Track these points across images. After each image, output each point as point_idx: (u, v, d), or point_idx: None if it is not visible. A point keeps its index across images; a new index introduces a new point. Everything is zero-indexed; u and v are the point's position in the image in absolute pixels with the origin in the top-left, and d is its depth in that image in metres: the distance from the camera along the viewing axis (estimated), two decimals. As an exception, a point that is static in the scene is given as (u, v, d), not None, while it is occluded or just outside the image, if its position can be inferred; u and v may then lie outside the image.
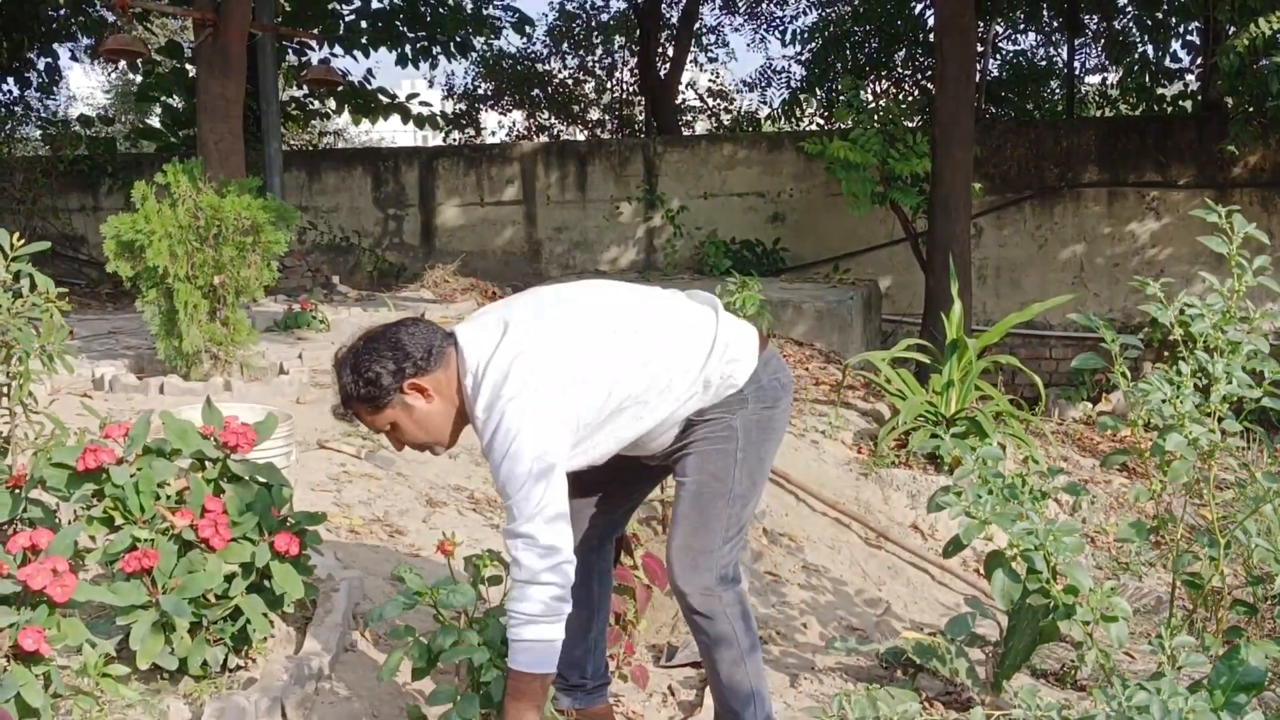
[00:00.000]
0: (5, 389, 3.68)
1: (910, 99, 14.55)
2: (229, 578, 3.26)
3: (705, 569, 2.89)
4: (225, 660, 3.34)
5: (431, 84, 19.29)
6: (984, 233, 10.53)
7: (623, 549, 3.50)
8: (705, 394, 2.91)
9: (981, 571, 5.69)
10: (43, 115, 15.87)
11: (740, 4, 18.63)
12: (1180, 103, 13.77)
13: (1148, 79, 13.36)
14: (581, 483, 2.96)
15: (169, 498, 3.34)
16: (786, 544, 5.33)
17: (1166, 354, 8.50)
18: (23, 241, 3.60)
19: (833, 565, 5.36)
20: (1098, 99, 16.84)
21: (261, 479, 3.50)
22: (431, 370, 2.76)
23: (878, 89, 15.07)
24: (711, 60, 19.61)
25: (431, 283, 10.55)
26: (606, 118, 19.31)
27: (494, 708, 2.95)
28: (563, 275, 11.16)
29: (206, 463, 3.47)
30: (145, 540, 3.18)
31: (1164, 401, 3.49)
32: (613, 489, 3.19)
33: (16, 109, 14.26)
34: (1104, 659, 3.54)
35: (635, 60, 17.95)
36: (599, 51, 19.22)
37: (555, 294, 2.97)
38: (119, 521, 3.26)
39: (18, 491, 3.42)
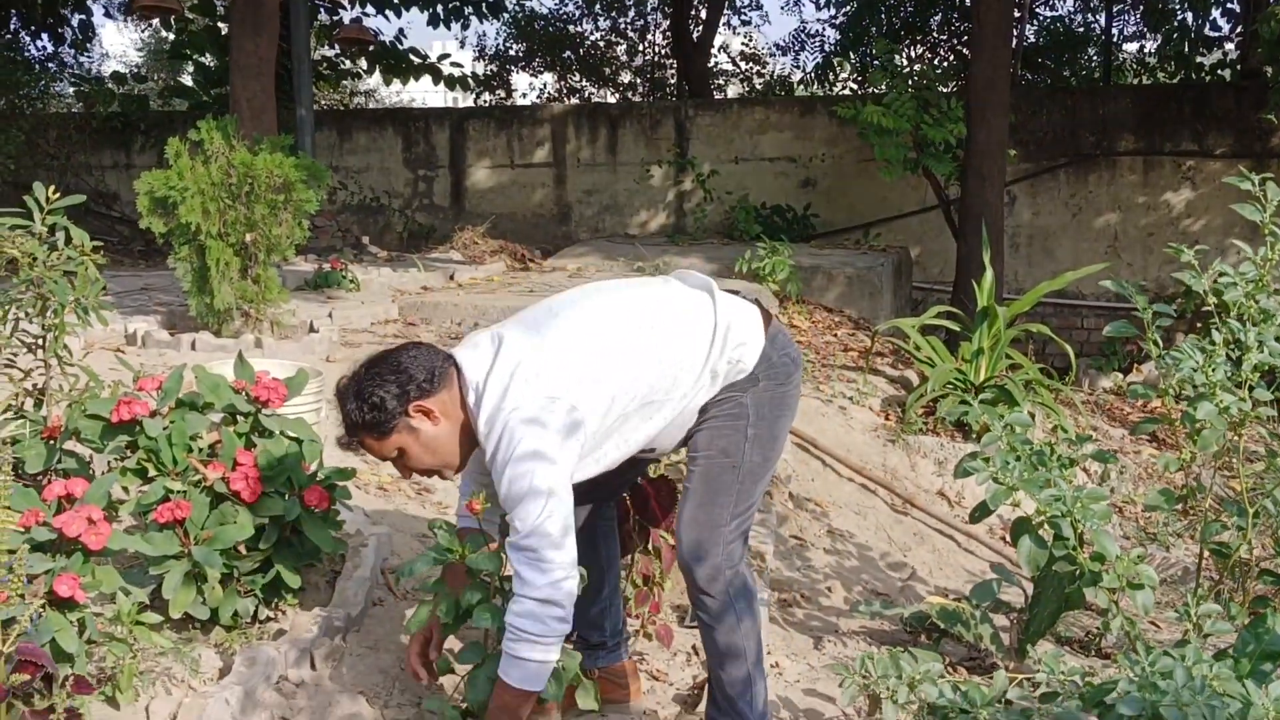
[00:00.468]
0: (41, 341, 3.72)
1: (945, 64, 14.42)
2: (260, 530, 3.30)
3: (712, 544, 2.85)
4: (256, 612, 3.38)
5: (463, 45, 19.24)
6: (1017, 200, 10.44)
7: (661, 507, 3.50)
8: (713, 385, 2.88)
9: (1007, 539, 5.69)
10: (76, 72, 15.94)
11: (774, -33, 18.43)
12: (1219, 71, 13.59)
13: (1186, 47, 13.18)
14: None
15: (201, 450, 3.37)
16: (812, 509, 5.34)
17: (1199, 325, 8.44)
18: (58, 195, 3.62)
19: (858, 531, 5.37)
20: (1135, 67, 16.63)
21: (292, 434, 3.53)
22: (436, 391, 2.73)
23: (912, 53, 14.93)
24: (745, 23, 19.47)
25: (461, 244, 10.56)
26: (638, 81, 19.22)
27: None
28: (592, 238, 11.15)
29: (238, 417, 3.50)
30: (178, 492, 3.22)
31: (1195, 370, 3.47)
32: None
33: (50, 66, 14.32)
34: (1129, 626, 3.54)
35: (667, 23, 17.83)
36: (631, 13, 19.11)
37: (546, 307, 2.92)
38: (152, 473, 3.30)
39: (52, 442, 3.46)
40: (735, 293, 3.07)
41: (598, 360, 2.76)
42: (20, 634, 1.58)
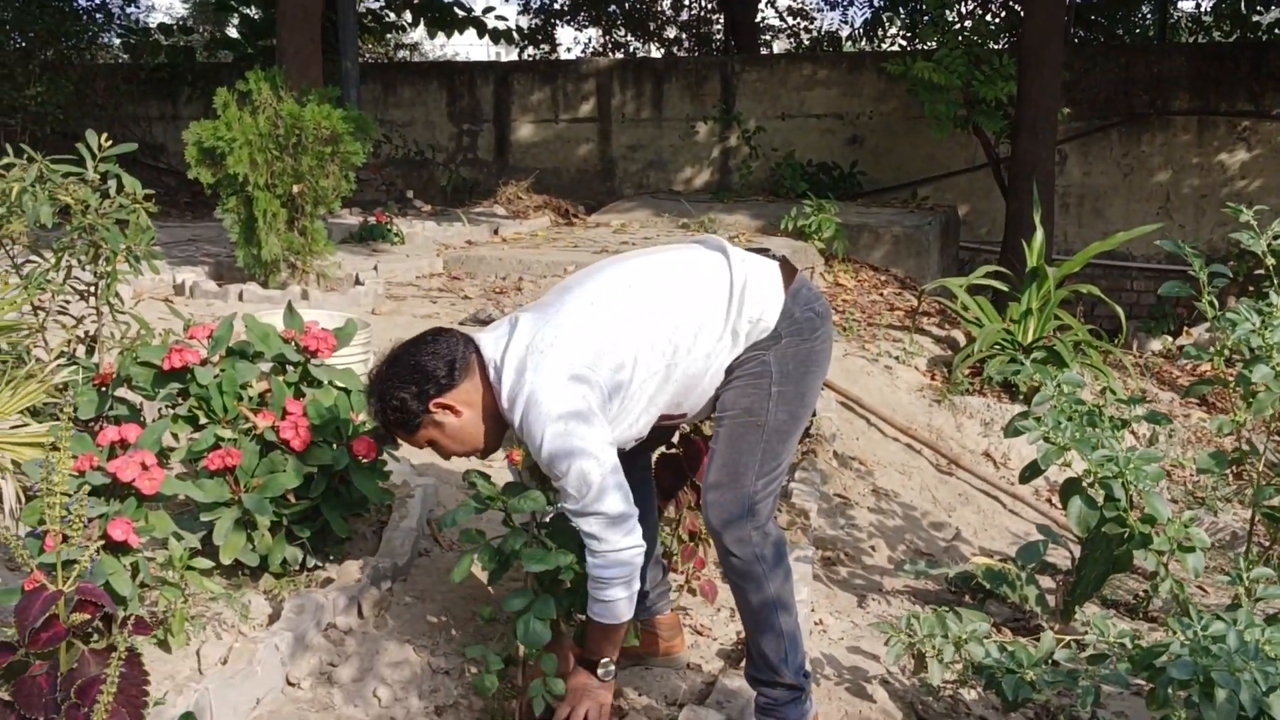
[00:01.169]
0: (93, 289, 3.75)
1: (997, 19, 14.17)
2: (308, 479, 3.32)
3: (737, 504, 2.81)
4: (304, 560, 3.41)
5: (507, -1, 19.15)
6: (1068, 159, 10.28)
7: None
8: (736, 345, 2.85)
9: (1053, 501, 5.65)
10: (123, 23, 15.99)
11: (824, -81, 18.23)
12: (1276, 30, 13.29)
13: (1243, 5, 12.89)
14: None
15: (251, 399, 3.39)
16: (857, 467, 5.31)
17: (1251, 289, 8.30)
18: (110, 143, 3.64)
19: (903, 490, 5.34)
20: (1190, 24, 16.30)
21: (341, 384, 3.55)
22: (456, 384, 2.77)
23: (963, 9, 14.69)
24: (792, -22, 19.24)
25: (504, 199, 10.54)
26: (683, 35, 19.05)
27: (576, 608, 2.99)
28: (637, 194, 11.09)
29: (288, 366, 3.52)
30: (228, 440, 3.25)
31: (1252, 332, 3.41)
32: None
33: (98, 16, 14.36)
34: (1178, 590, 3.50)
35: (714, -23, 17.65)
36: (678, -33, 18.93)
37: (560, 286, 2.96)
38: (202, 421, 3.33)
39: (104, 389, 3.49)
40: (765, 250, 3.04)
41: (613, 327, 2.76)
42: (80, 575, 1.59)
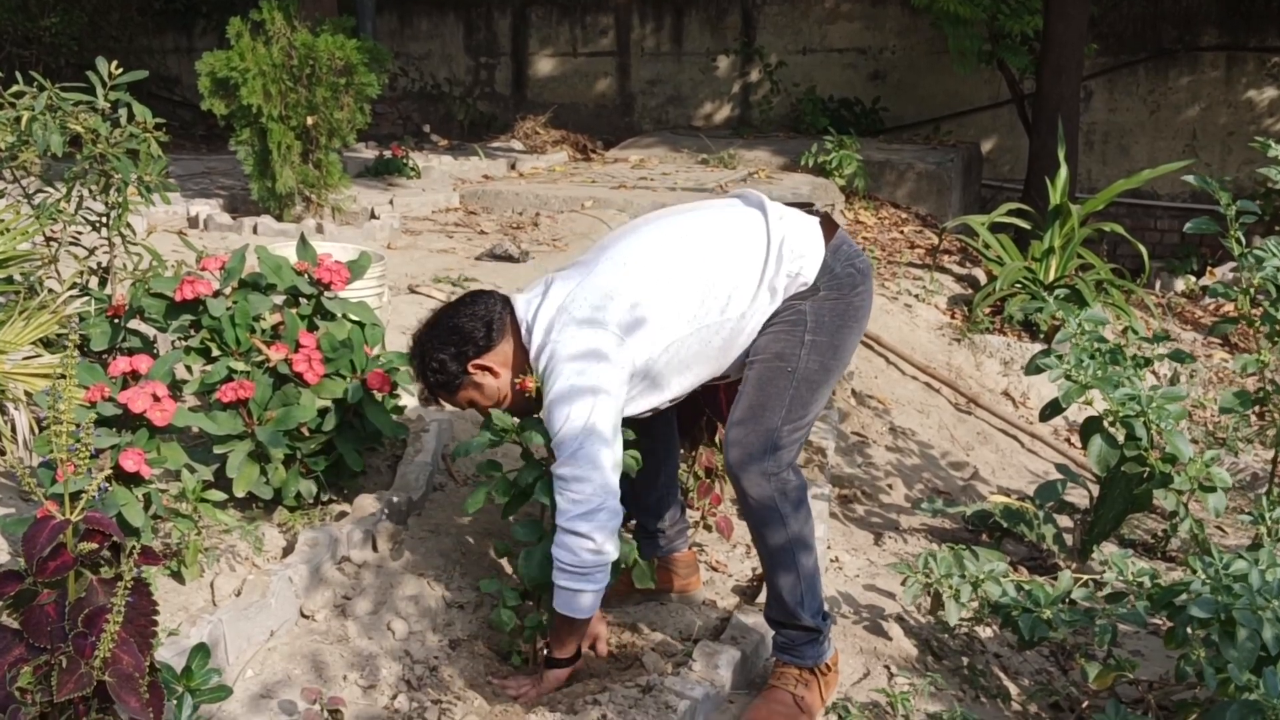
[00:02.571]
0: (104, 219, 3.72)
1: (1022, -46, 13.89)
2: (322, 413, 3.30)
3: (760, 447, 2.77)
4: (318, 494, 3.40)
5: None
6: (1093, 96, 10.09)
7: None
8: (773, 301, 2.83)
9: (1072, 440, 5.61)
10: (138, -46, 15.80)
11: None
12: (1311, -37, 12.96)
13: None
14: None
15: (264, 331, 3.37)
16: (874, 405, 5.28)
17: (1278, 228, 8.16)
18: (120, 71, 3.58)
19: (920, 429, 5.30)
20: (1222, -42, 15.93)
21: (354, 317, 3.52)
22: (494, 345, 2.84)
23: (988, -58, 14.40)
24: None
25: (522, 134, 10.44)
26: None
27: None
28: (656, 130, 10.96)
29: (301, 299, 3.49)
30: (241, 372, 3.23)
31: (1278, 270, 3.34)
32: None
33: (112, -53, 14.20)
34: (1198, 530, 3.47)
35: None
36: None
37: (598, 245, 2.96)
38: (215, 353, 3.30)
39: (117, 321, 3.47)
40: (808, 205, 3.00)
41: (647, 289, 2.76)
42: (87, 504, 1.57)
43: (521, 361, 2.85)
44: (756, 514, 2.83)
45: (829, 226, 2.91)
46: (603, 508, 2.67)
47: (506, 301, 2.91)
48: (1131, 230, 8.09)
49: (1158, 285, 8.57)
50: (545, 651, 2.90)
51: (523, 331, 2.85)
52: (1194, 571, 2.84)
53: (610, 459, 2.68)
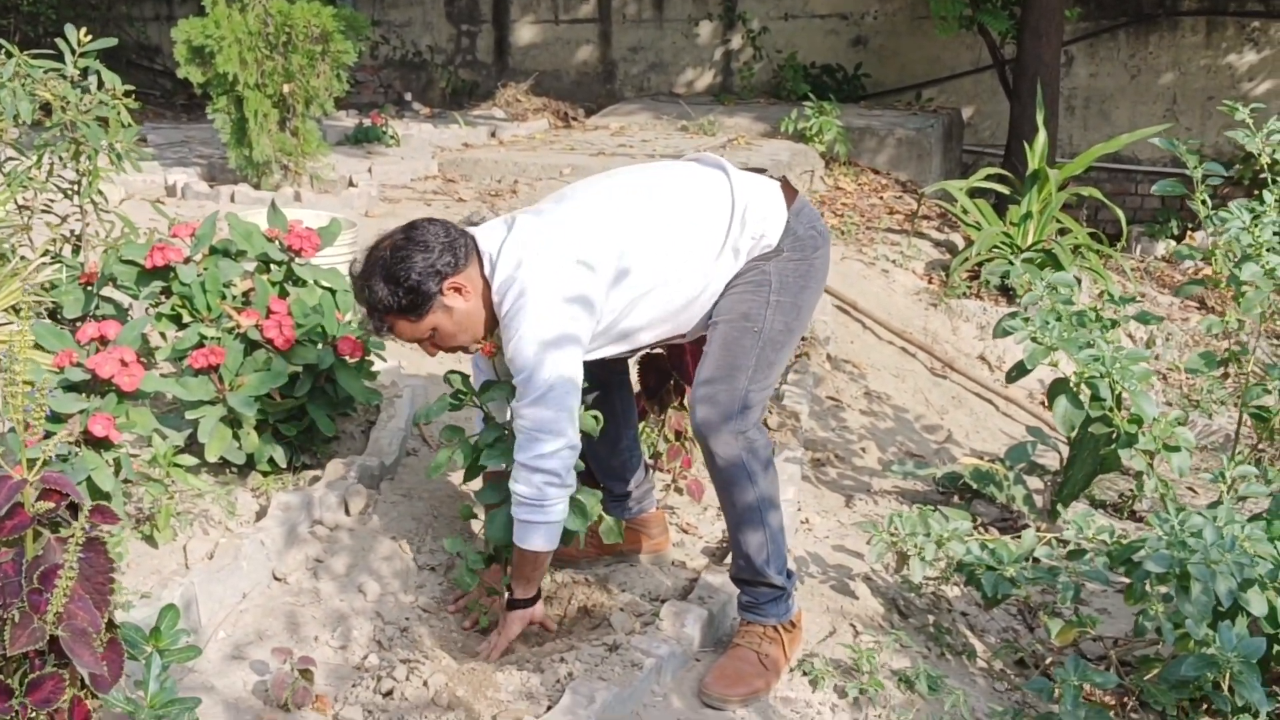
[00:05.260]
0: (76, 187, 3.72)
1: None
2: (294, 378, 3.32)
3: (726, 406, 2.79)
4: (291, 459, 3.43)
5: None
6: (1075, 61, 10.09)
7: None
8: (736, 262, 2.86)
9: (1046, 403, 5.65)
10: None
11: None
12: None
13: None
14: None
15: (235, 298, 3.38)
16: (850, 370, 5.31)
17: (1256, 193, 8.19)
18: (90, 38, 3.58)
19: (896, 393, 5.34)
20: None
21: (326, 284, 3.54)
22: (466, 267, 2.73)
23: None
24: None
25: (504, 102, 10.40)
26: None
27: None
28: (638, 97, 10.93)
29: (272, 265, 3.51)
30: (212, 338, 3.25)
31: (1242, 229, 3.37)
32: None
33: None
34: (1163, 489, 3.51)
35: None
36: None
37: (556, 194, 2.95)
38: (186, 319, 3.32)
39: (89, 288, 3.48)
40: (762, 171, 3.03)
41: (612, 235, 2.77)
42: (44, 464, 1.59)
43: (484, 291, 2.77)
44: (724, 473, 2.85)
45: (789, 190, 2.94)
46: (569, 444, 2.70)
47: (465, 232, 2.81)
48: (1112, 195, 8.11)
49: (1138, 250, 8.61)
50: (507, 593, 2.92)
51: (485, 263, 2.76)
52: (1155, 527, 2.89)
53: (575, 400, 2.71)
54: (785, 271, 2.87)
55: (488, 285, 2.76)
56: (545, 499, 2.72)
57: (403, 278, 2.68)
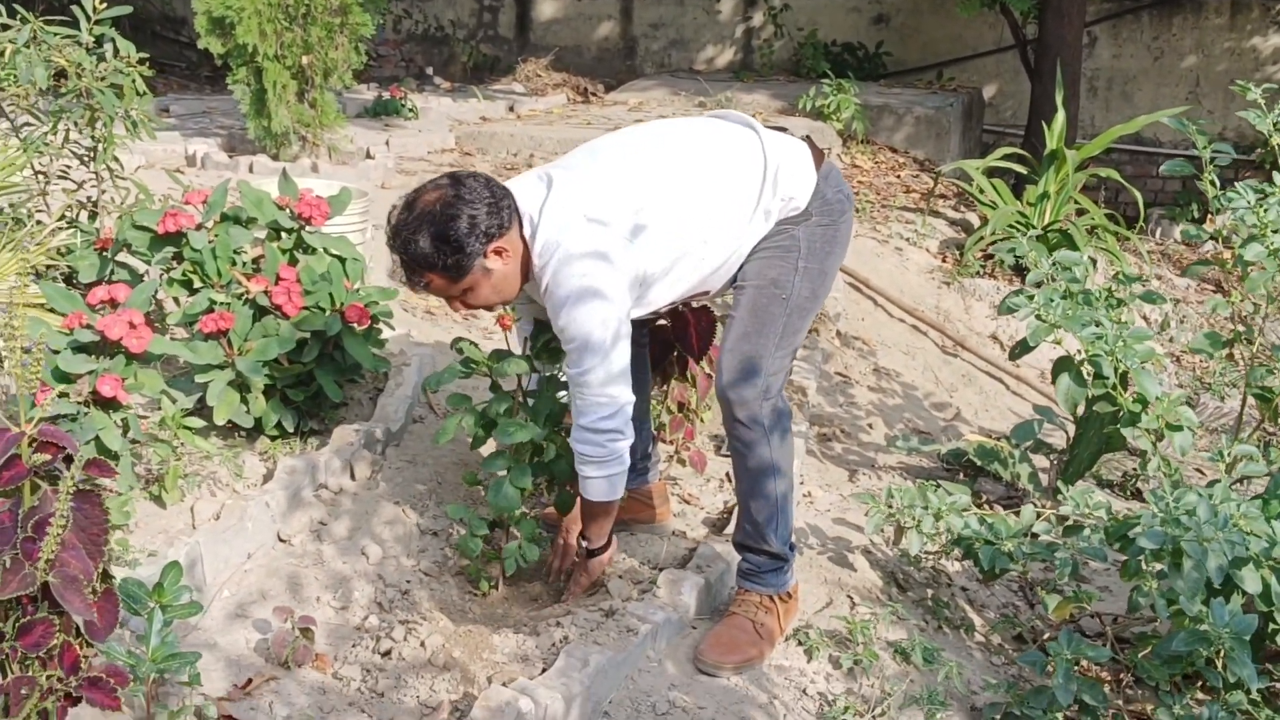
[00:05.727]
0: (91, 153, 3.77)
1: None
2: (302, 344, 3.36)
3: (753, 374, 2.81)
4: (299, 424, 3.47)
5: None
6: (1098, 42, 10.02)
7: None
8: (766, 223, 2.85)
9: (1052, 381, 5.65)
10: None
11: None
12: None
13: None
14: None
15: (245, 264, 3.43)
16: (859, 347, 5.32)
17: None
18: (104, 5, 3.62)
19: (905, 370, 5.35)
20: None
21: (335, 252, 3.57)
22: (508, 229, 2.68)
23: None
24: None
25: (524, 77, 10.42)
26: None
27: (551, 481, 3.05)
28: (657, 74, 10.92)
29: (282, 233, 3.54)
30: (222, 304, 3.29)
31: (1248, 209, 3.36)
32: None
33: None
34: (1165, 467, 3.52)
35: None
36: None
37: (587, 149, 2.92)
38: (197, 285, 3.37)
39: (105, 254, 3.53)
40: (782, 129, 3.01)
41: (649, 195, 2.76)
42: (42, 418, 1.63)
43: (523, 254, 2.73)
44: (742, 436, 2.87)
45: (816, 152, 2.93)
46: (626, 401, 2.74)
47: (509, 192, 2.74)
48: (1133, 178, 8.07)
49: (1158, 233, 8.57)
50: (584, 544, 2.99)
51: (525, 224, 2.72)
52: (1151, 504, 2.90)
53: (627, 356, 2.72)
54: (813, 237, 2.87)
55: (527, 248, 2.73)
56: (610, 455, 2.76)
57: (450, 236, 2.61)
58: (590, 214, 2.69)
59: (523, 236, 2.72)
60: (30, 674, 1.53)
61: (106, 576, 1.70)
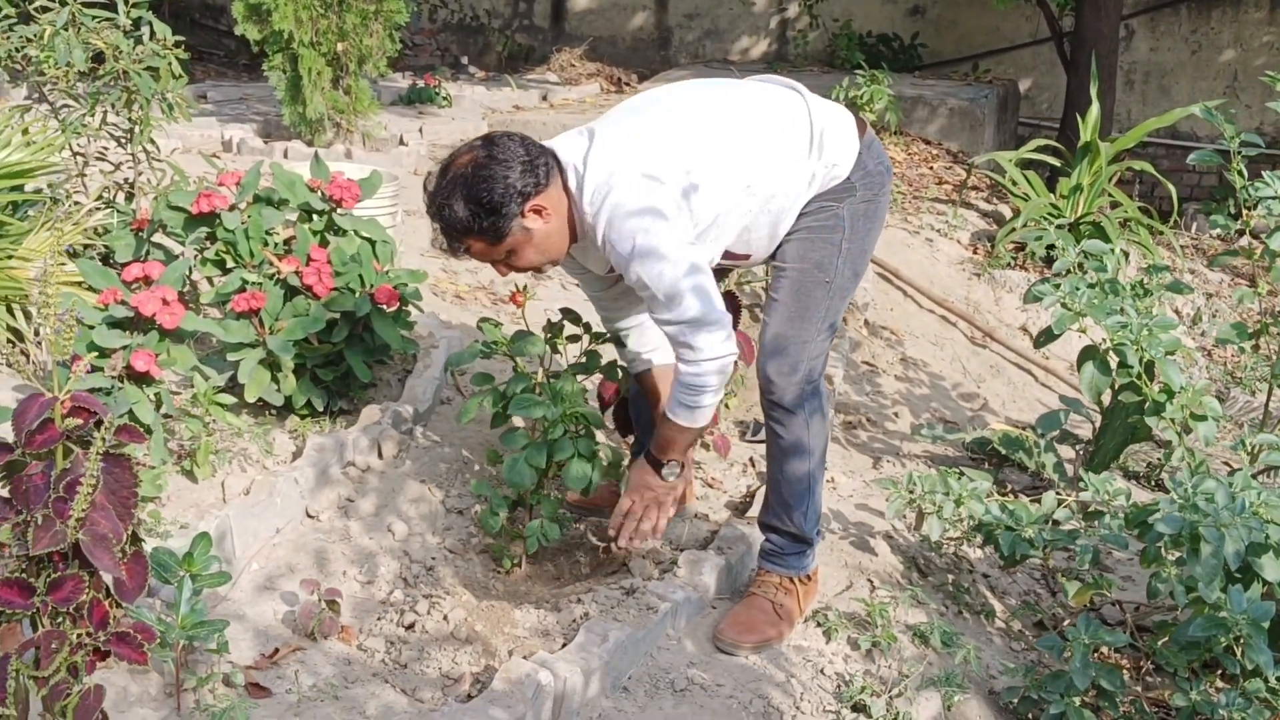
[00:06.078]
0: (128, 135, 3.83)
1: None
2: (331, 325, 3.41)
3: (795, 357, 2.81)
4: (329, 404, 3.53)
5: None
6: (1135, 35, 9.95)
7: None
8: (810, 189, 2.81)
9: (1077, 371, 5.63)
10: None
11: None
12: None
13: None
14: None
15: (276, 245, 3.48)
16: (887, 336, 5.33)
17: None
18: (149, -8, 3.68)
19: (933, 361, 5.35)
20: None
21: (365, 234, 3.62)
22: (548, 186, 2.63)
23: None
24: None
25: (558, 66, 10.45)
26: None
27: (556, 462, 3.05)
28: (691, 64, 10.93)
29: (313, 215, 3.60)
30: (254, 283, 3.34)
31: (1274, 199, 3.35)
32: None
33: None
34: (1190, 458, 3.51)
35: None
36: None
37: (629, 106, 2.86)
38: (230, 265, 3.43)
39: (141, 234, 3.60)
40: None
41: (699, 153, 2.70)
42: (74, 385, 1.68)
43: (568, 208, 2.68)
44: (779, 417, 2.87)
45: (859, 121, 2.89)
46: (724, 327, 2.65)
47: (546, 148, 2.69)
48: (1169, 172, 8.03)
49: (1194, 227, 8.50)
50: (669, 469, 2.86)
51: (570, 176, 2.66)
52: (1171, 491, 2.90)
53: (711, 282, 2.64)
54: (856, 214, 2.83)
55: (571, 200, 2.68)
56: (722, 383, 2.70)
57: (484, 198, 2.57)
58: (645, 170, 2.62)
59: (567, 189, 2.67)
60: (60, 629, 1.58)
61: (136, 539, 1.75)
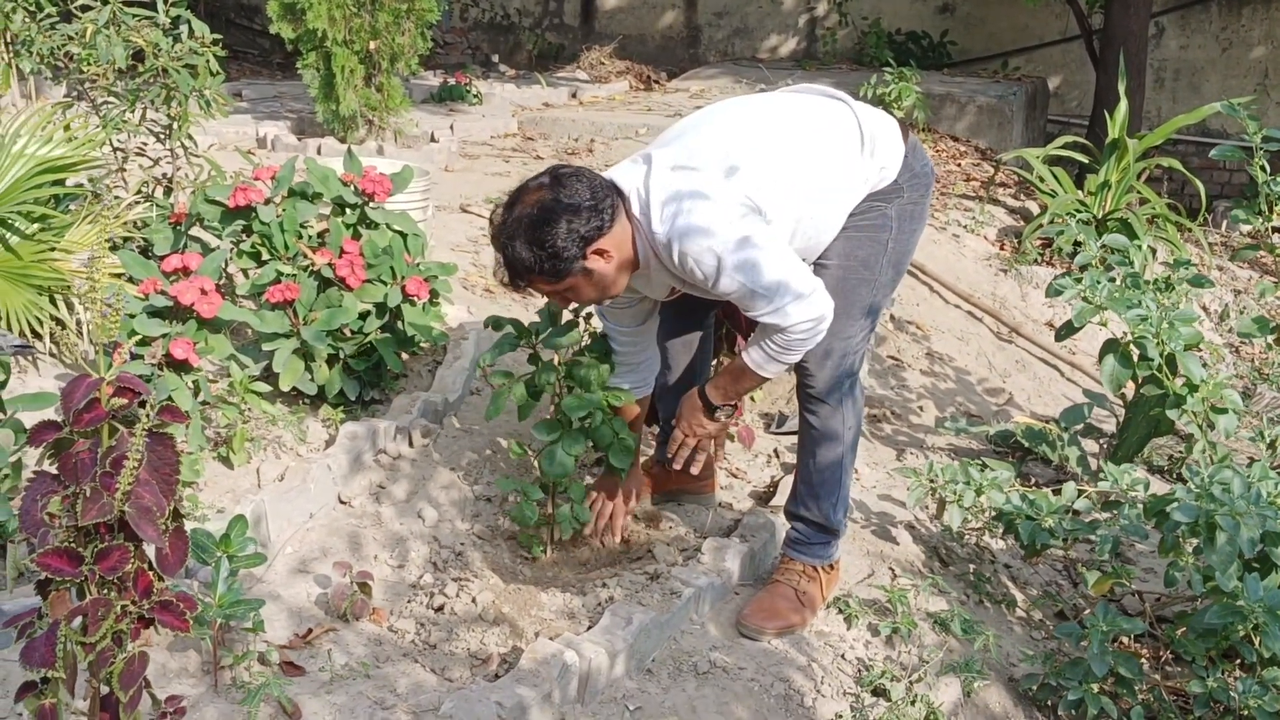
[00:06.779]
0: (167, 131, 3.92)
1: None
2: (364, 316, 3.49)
3: (837, 352, 2.89)
4: (361, 393, 3.61)
5: None
6: (1165, 32, 9.94)
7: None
8: (862, 191, 2.87)
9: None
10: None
11: None
12: None
13: None
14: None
15: (310, 238, 3.56)
16: (913, 331, 5.36)
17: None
18: (186, -9, 3.77)
19: (959, 355, 5.38)
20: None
21: (397, 227, 3.70)
22: (611, 227, 2.65)
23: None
24: None
25: (588, 64, 10.52)
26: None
27: (599, 449, 3.14)
28: (720, 62, 10.98)
29: (346, 208, 3.67)
30: (288, 275, 3.42)
31: (1298, 192, 3.38)
32: None
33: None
34: (1210, 450, 3.54)
35: None
36: None
37: (678, 128, 2.91)
38: (265, 257, 3.51)
39: (179, 228, 3.68)
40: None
41: (757, 157, 2.75)
42: (119, 368, 1.76)
43: (631, 241, 2.70)
44: (816, 409, 2.94)
45: (902, 124, 2.96)
46: (809, 291, 2.67)
47: (609, 183, 2.72)
48: (1199, 170, 8.00)
49: (1224, 225, 8.48)
50: (721, 409, 2.94)
51: (634, 200, 2.69)
52: (1189, 481, 2.94)
53: (797, 260, 2.69)
54: (903, 215, 2.91)
55: (636, 226, 2.70)
56: (814, 344, 2.75)
57: (547, 242, 2.60)
58: (705, 187, 2.66)
59: (630, 216, 2.71)
60: (107, 597, 1.66)
61: (177, 515, 1.82)
